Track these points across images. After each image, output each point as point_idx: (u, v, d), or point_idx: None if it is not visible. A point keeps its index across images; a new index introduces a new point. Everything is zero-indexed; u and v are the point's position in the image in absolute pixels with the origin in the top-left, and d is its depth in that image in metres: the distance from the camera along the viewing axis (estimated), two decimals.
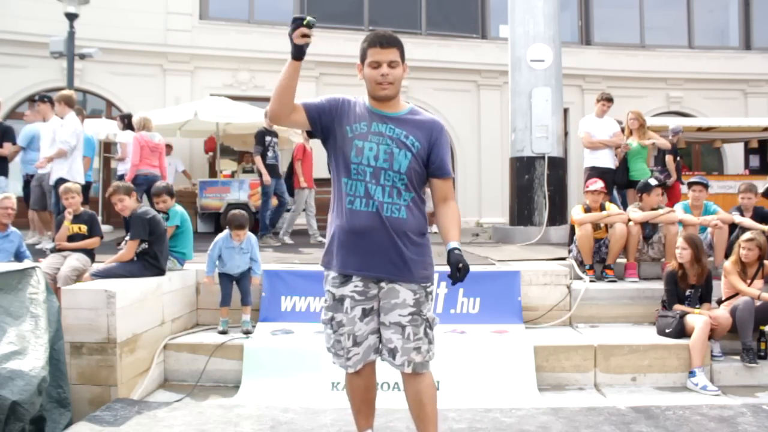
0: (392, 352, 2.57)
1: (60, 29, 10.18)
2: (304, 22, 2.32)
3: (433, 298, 2.71)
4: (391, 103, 2.58)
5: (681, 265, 4.87)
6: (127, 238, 4.86)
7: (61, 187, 5.57)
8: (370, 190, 2.50)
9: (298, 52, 2.38)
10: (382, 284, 2.57)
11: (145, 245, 4.75)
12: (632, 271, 5.74)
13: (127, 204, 4.89)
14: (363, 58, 2.53)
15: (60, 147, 6.75)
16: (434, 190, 2.65)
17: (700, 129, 11.62)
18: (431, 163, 2.59)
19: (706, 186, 5.89)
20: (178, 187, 9.63)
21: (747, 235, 4.94)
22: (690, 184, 5.94)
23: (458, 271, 2.42)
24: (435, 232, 8.62)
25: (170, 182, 7.07)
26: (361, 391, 2.77)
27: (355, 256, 2.54)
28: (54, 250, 5.41)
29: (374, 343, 2.65)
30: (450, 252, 2.48)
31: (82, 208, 5.47)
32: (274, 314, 5.06)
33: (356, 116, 2.57)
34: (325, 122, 2.56)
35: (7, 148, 7.44)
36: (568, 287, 5.31)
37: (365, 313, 2.59)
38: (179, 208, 5.33)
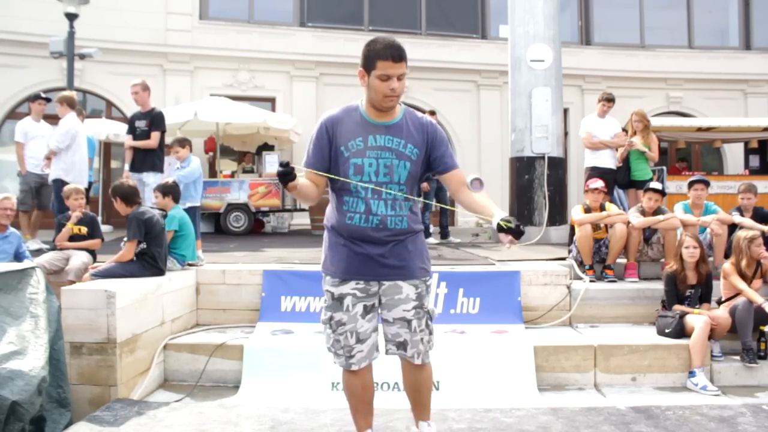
0: (402, 345, 2.65)
1: (60, 29, 10.17)
2: (284, 172, 2.33)
3: (431, 291, 2.76)
4: (389, 112, 2.57)
5: (681, 266, 4.87)
6: (125, 238, 4.86)
7: (70, 188, 5.58)
8: (372, 205, 2.52)
9: (285, 184, 2.38)
10: (383, 282, 2.60)
11: (143, 245, 4.75)
12: (632, 271, 5.74)
13: (118, 207, 4.87)
14: (370, 66, 2.44)
15: (51, 147, 6.76)
16: (448, 182, 2.66)
17: (700, 129, 11.58)
18: (434, 162, 2.62)
19: (707, 184, 5.89)
20: None
21: (746, 233, 4.94)
22: (691, 183, 5.93)
23: (517, 233, 2.36)
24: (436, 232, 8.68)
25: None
26: (359, 390, 2.77)
27: (357, 265, 2.58)
28: (53, 249, 5.42)
29: (376, 341, 2.69)
30: (501, 221, 2.39)
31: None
32: (274, 314, 5.06)
33: (349, 133, 2.54)
34: (333, 161, 2.56)
35: (155, 138, 6.49)
36: (568, 287, 5.31)
37: (366, 310, 2.62)
38: (178, 212, 5.30)
